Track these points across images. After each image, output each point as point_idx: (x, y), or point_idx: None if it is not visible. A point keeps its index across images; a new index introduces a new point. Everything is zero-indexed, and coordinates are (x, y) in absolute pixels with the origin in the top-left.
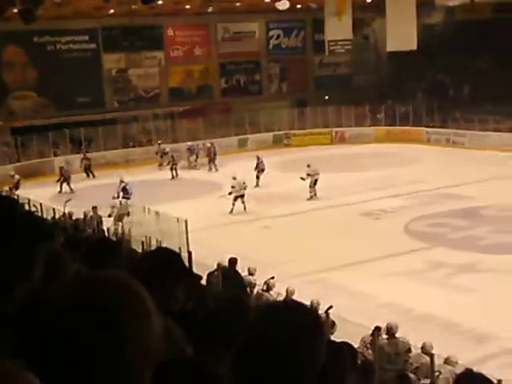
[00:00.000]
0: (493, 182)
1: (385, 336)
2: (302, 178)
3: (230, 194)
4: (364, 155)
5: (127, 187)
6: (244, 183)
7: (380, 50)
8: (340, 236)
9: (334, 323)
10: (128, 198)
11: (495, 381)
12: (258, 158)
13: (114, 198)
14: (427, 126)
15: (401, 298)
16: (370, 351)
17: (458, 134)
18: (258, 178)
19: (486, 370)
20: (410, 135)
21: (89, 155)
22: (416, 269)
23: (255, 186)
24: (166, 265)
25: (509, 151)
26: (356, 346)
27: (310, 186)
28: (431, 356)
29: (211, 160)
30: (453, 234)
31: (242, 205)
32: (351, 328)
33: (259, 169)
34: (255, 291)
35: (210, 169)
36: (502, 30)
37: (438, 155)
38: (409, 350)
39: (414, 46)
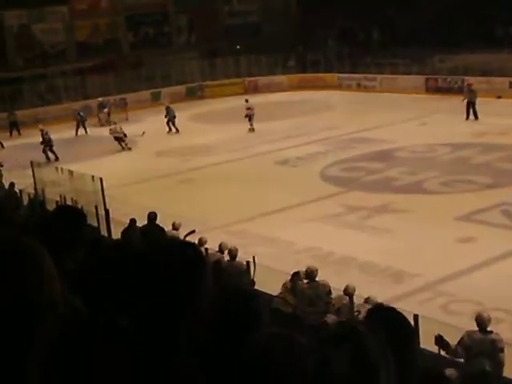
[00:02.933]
0: (404, 125)
1: (305, 280)
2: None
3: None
4: (278, 103)
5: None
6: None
7: None
8: (258, 185)
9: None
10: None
11: (412, 315)
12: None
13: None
14: (338, 72)
15: (319, 243)
16: (291, 296)
17: (369, 79)
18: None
19: (405, 307)
20: (321, 82)
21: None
22: (333, 213)
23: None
24: (67, 226)
25: (418, 93)
26: (278, 292)
27: (250, 120)
28: (351, 296)
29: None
30: (367, 176)
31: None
32: (273, 275)
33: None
34: None
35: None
36: None
37: (350, 100)
38: (329, 292)
39: None
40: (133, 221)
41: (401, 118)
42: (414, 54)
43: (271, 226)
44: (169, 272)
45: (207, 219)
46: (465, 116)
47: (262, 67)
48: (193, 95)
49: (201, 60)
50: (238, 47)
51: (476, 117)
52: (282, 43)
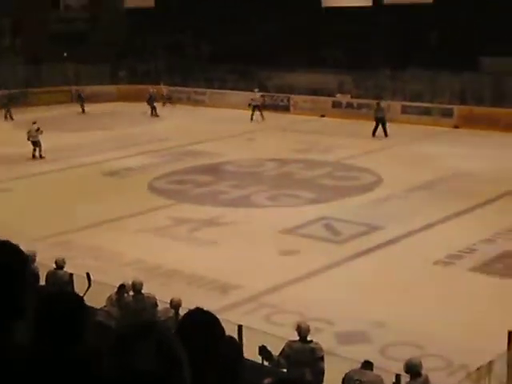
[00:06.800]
0: (232, 139)
1: (131, 293)
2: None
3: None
4: (106, 114)
5: None
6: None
7: (119, 6)
8: (84, 197)
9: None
10: None
11: (236, 326)
12: None
13: None
14: (169, 85)
15: (147, 255)
16: (116, 309)
17: (199, 93)
18: None
19: (230, 318)
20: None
21: None
22: (161, 225)
23: None
24: None
25: (246, 109)
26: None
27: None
28: (177, 309)
29: None
30: (195, 189)
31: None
32: (98, 288)
33: None
34: None
35: None
36: None
37: (180, 113)
38: (155, 305)
39: (152, 4)
40: None
41: (229, 132)
42: (242, 71)
43: (97, 237)
44: None
45: (27, 231)
46: (371, 134)
47: (90, 77)
48: (15, 101)
49: (24, 66)
50: (64, 54)
51: (386, 134)
52: (111, 52)
